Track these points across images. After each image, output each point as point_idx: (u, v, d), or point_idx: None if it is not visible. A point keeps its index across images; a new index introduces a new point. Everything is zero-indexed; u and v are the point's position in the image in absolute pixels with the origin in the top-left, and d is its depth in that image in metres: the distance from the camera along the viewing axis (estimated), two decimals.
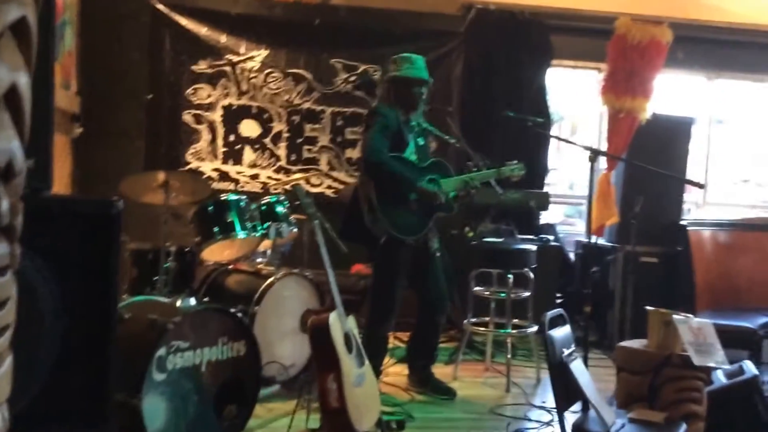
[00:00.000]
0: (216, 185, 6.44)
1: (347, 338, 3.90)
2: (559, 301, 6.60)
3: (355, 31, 6.78)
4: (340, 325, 3.89)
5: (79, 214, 2.37)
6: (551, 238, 6.48)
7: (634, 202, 5.69)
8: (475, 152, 4.81)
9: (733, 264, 6.57)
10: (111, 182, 5.83)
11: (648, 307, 4.22)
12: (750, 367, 4.46)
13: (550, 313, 3.82)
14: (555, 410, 3.79)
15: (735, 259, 6.57)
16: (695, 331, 4.05)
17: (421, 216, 4.61)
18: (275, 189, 6.54)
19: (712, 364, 3.91)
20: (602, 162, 6.21)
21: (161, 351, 3.48)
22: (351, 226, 4.64)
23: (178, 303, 3.88)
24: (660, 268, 6.27)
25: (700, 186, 4.40)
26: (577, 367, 3.71)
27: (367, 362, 4.07)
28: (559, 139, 5.04)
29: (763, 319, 5.88)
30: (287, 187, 5.61)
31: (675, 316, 4.02)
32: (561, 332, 3.89)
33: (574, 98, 7.53)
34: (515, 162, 4.93)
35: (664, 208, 6.35)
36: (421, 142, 4.73)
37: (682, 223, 6.45)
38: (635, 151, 6.14)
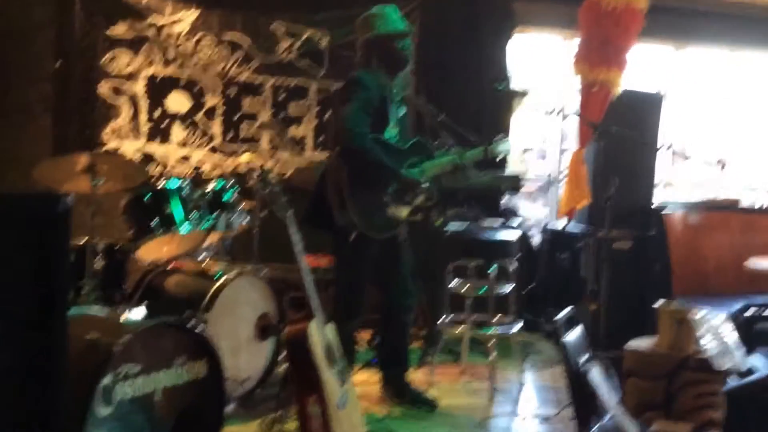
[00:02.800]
0: None
1: (328, 351, 3.32)
2: (523, 292, 6.10)
3: None
4: (320, 335, 3.27)
5: (13, 214, 1.89)
6: (517, 223, 5.94)
7: (609, 182, 5.24)
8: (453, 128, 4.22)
9: (703, 247, 6.25)
10: (15, 169, 5.14)
11: (658, 303, 3.80)
12: (761, 365, 4.06)
13: (563, 316, 3.36)
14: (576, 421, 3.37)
15: (704, 242, 6.26)
16: (712, 329, 3.64)
17: (396, 210, 4.01)
18: (210, 172, 5.80)
19: (733, 366, 3.50)
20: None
21: (107, 379, 2.85)
22: (317, 212, 4.00)
23: (123, 317, 3.11)
24: (633, 253, 5.81)
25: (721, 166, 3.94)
26: (595, 376, 3.29)
27: (350, 379, 3.53)
28: (562, 115, 4.58)
29: (737, 305, 5.58)
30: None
31: (691, 314, 3.61)
32: (574, 336, 3.43)
33: (538, 68, 7.01)
34: (501, 136, 4.36)
35: (636, 190, 5.91)
36: (401, 111, 4.14)
37: (654, 205, 6.04)
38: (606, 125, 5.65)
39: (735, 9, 6.74)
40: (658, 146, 6.04)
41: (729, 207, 6.47)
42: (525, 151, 7.33)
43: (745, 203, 6.62)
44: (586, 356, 3.37)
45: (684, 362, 3.51)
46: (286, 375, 4.11)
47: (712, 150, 7.29)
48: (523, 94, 3.89)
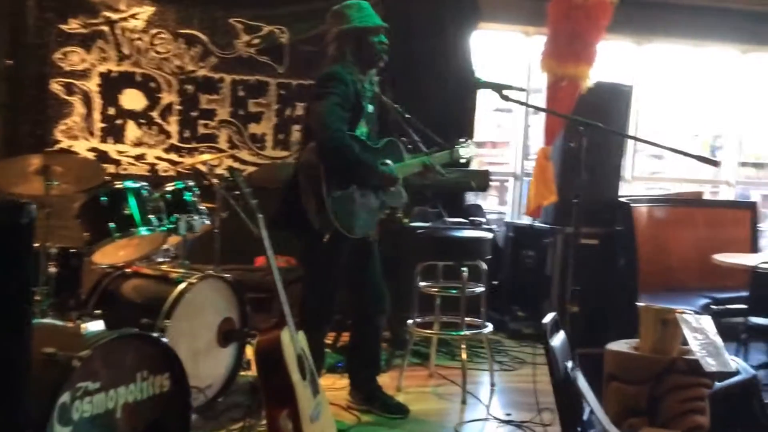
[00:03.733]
0: None
1: (300, 361, 3.18)
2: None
3: None
4: (293, 345, 3.13)
5: None
6: (483, 220, 5.85)
7: (576, 179, 5.18)
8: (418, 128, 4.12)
9: (667, 243, 6.23)
10: None
11: (639, 303, 3.70)
12: (743, 366, 4.00)
13: (548, 319, 3.25)
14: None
15: (668, 237, 6.24)
16: (698, 329, 3.54)
17: (373, 209, 3.90)
18: (166, 172, 5.63)
19: (722, 369, 3.40)
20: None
21: (64, 397, 2.68)
22: (288, 214, 3.82)
23: (82, 328, 2.95)
24: (599, 250, 5.76)
25: (715, 164, 3.86)
26: (581, 382, 3.17)
27: (322, 389, 3.38)
28: (546, 110, 4.51)
29: (702, 301, 5.58)
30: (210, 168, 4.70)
31: (677, 314, 3.51)
32: (559, 341, 3.33)
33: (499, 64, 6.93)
34: (464, 139, 4.27)
35: (602, 186, 5.86)
36: (370, 109, 3.96)
37: (621, 200, 5.99)
38: (572, 121, 5.59)
39: (699, 1, 6.77)
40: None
41: (693, 201, 6.48)
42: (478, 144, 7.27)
43: (708, 197, 6.67)
44: (571, 362, 3.26)
45: (671, 365, 3.41)
46: (253, 383, 3.97)
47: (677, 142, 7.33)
48: (502, 87, 3.76)
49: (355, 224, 3.74)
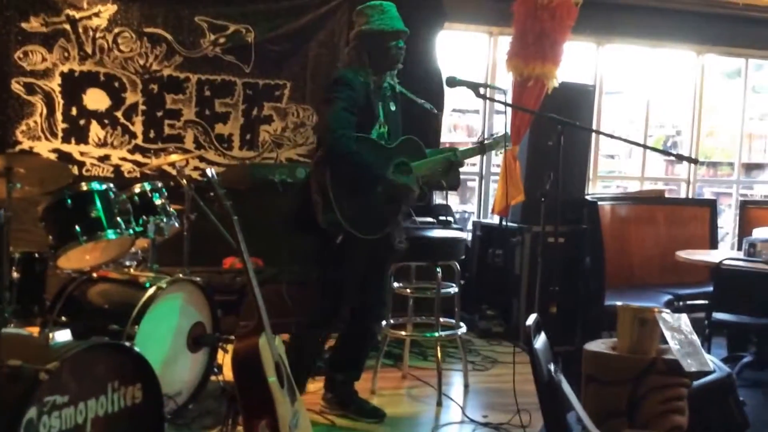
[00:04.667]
0: None
1: (278, 368, 3.12)
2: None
3: None
4: (270, 352, 3.07)
5: None
6: (451, 220, 5.84)
7: (543, 178, 5.21)
8: None
9: (629, 241, 6.30)
10: None
11: (617, 303, 3.70)
12: (719, 364, 4.01)
13: (531, 321, 3.22)
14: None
15: (631, 235, 6.31)
16: (676, 329, 3.54)
17: (387, 209, 3.85)
18: (130, 173, 5.59)
19: (701, 368, 3.40)
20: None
21: (31, 412, 2.57)
22: (301, 215, 3.85)
23: (49, 338, 2.87)
24: (566, 248, 5.78)
25: (694, 162, 3.90)
26: (565, 386, 3.15)
27: (299, 396, 3.33)
28: (528, 111, 4.49)
29: (665, 297, 5.64)
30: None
31: (656, 314, 3.50)
32: (541, 343, 3.30)
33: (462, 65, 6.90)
34: (497, 133, 4.31)
35: (569, 185, 5.88)
36: (392, 107, 3.98)
37: (588, 198, 6.04)
38: (538, 121, 5.62)
39: (656, 3, 6.83)
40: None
41: (655, 200, 6.55)
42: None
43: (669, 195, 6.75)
44: (554, 365, 3.24)
45: (651, 366, 3.40)
46: (224, 388, 3.92)
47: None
48: (479, 85, 3.77)
49: (363, 225, 3.71)
